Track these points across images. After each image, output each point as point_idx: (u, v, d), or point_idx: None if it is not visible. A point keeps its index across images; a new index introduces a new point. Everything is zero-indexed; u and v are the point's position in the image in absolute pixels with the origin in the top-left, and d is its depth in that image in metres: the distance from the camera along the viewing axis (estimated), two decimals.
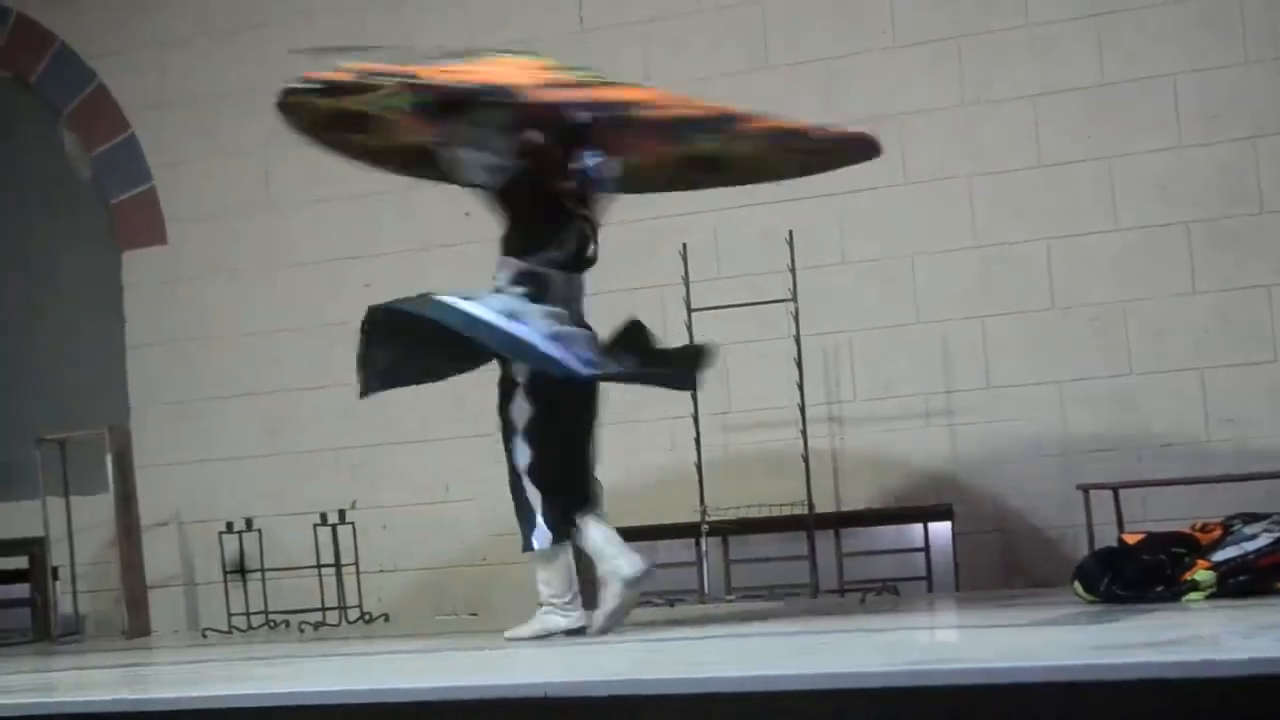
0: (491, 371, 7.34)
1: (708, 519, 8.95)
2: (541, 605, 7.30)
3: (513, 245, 7.35)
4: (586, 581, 7.41)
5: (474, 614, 9.93)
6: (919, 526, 9.22)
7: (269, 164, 10.54)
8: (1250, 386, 8.75)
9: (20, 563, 10.56)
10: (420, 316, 7.11)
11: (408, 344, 7.29)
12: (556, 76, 7.39)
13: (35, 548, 10.46)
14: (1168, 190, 8.94)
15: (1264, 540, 7.05)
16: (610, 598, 7.22)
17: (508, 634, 7.28)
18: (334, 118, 7.66)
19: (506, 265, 7.32)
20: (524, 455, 7.27)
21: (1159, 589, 7.01)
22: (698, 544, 9.13)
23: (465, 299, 7.11)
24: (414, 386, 7.85)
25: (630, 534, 8.31)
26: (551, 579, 7.30)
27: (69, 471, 10.40)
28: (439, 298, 7.15)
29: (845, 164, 8.09)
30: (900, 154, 9.36)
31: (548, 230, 7.33)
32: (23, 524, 10.58)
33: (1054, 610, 6.83)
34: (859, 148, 7.84)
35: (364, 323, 7.28)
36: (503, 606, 9.23)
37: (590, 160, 7.27)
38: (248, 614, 10.00)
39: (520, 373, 7.23)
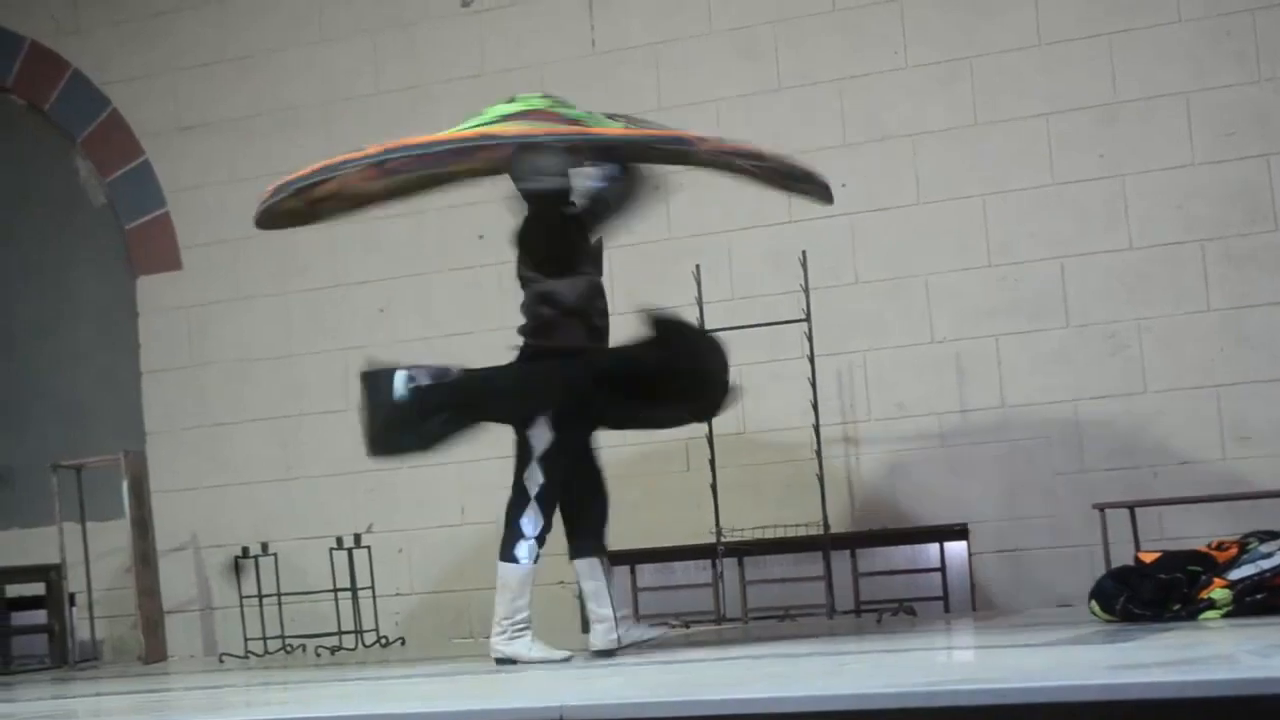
0: None
1: (724, 540, 8.94)
2: (502, 624, 7.39)
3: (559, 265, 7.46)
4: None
5: (490, 637, 9.90)
6: (935, 546, 9.21)
7: None
8: (1266, 404, 8.73)
9: (37, 589, 10.57)
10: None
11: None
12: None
13: (52, 574, 10.47)
14: (1182, 208, 8.93)
15: None
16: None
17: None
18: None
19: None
20: (536, 481, 7.31)
21: (1176, 608, 7.00)
22: (714, 565, 9.13)
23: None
24: None
25: (647, 555, 8.36)
26: (516, 598, 7.35)
27: (85, 497, 10.43)
28: None
29: (805, 195, 8.42)
30: (913, 174, 9.38)
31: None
32: (40, 550, 10.60)
33: (1071, 630, 6.82)
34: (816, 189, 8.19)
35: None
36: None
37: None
38: (264, 638, 10.00)
39: (545, 407, 7.29)
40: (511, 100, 7.82)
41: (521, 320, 7.48)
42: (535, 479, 7.32)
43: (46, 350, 11.38)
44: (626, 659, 7.08)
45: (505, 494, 7.56)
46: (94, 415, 11.13)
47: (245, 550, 10.06)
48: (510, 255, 7.61)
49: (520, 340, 7.48)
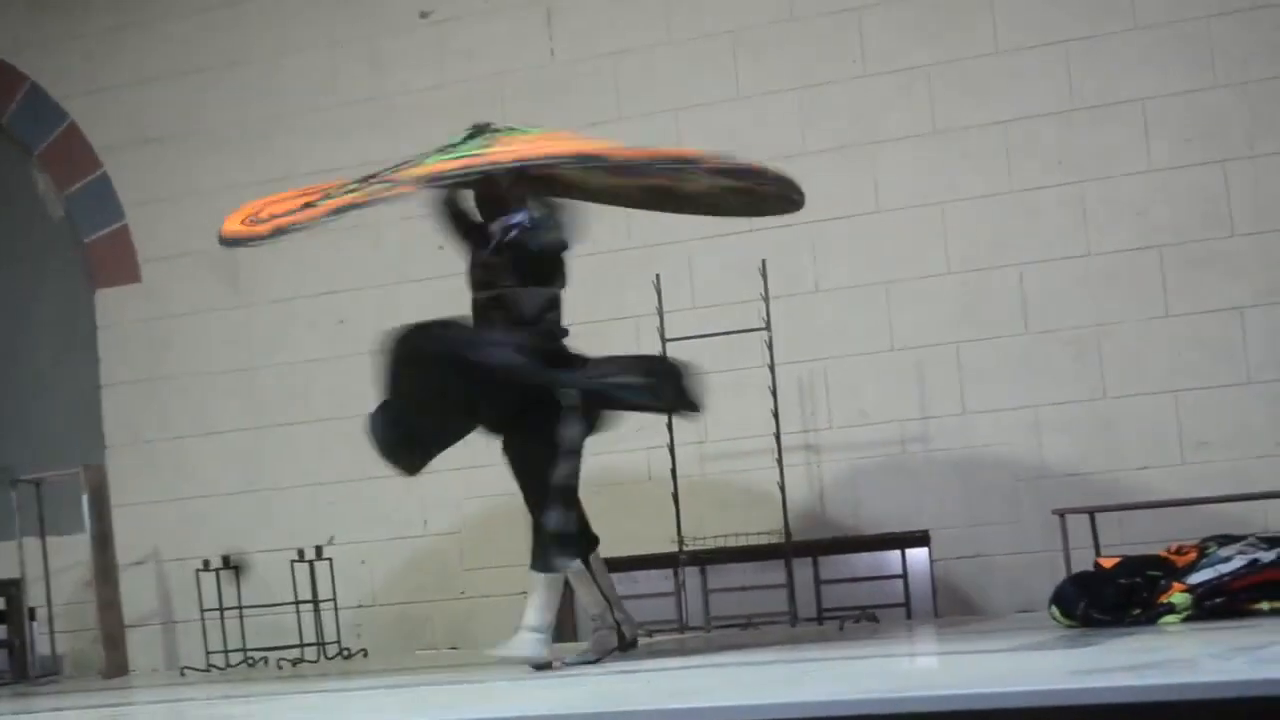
0: None
1: (685, 548, 8.94)
2: (531, 629, 7.30)
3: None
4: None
5: (454, 648, 9.91)
6: (897, 553, 9.23)
7: (241, 201, 10.51)
8: (1224, 409, 8.77)
9: None
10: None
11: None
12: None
13: (12, 589, 10.41)
14: (1141, 214, 8.96)
15: (1239, 563, 7.07)
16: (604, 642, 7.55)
17: (500, 652, 7.35)
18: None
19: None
20: (574, 475, 7.39)
21: (1135, 612, 7.02)
22: (676, 574, 9.13)
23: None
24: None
25: (609, 565, 8.32)
26: (550, 604, 7.34)
27: (45, 511, 10.37)
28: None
29: (778, 211, 8.49)
30: (873, 182, 9.40)
31: None
32: None
33: (1032, 635, 6.84)
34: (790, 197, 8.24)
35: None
36: (482, 640, 9.19)
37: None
38: (226, 651, 9.96)
39: (570, 395, 7.36)
40: (479, 133, 7.85)
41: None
42: (573, 474, 7.46)
43: (4, 363, 11.32)
44: (588, 668, 7.07)
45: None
46: (53, 428, 11.08)
47: (206, 563, 10.02)
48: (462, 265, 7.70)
49: None
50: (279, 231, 7.59)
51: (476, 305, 7.66)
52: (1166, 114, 8.96)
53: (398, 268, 10.22)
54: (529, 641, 7.29)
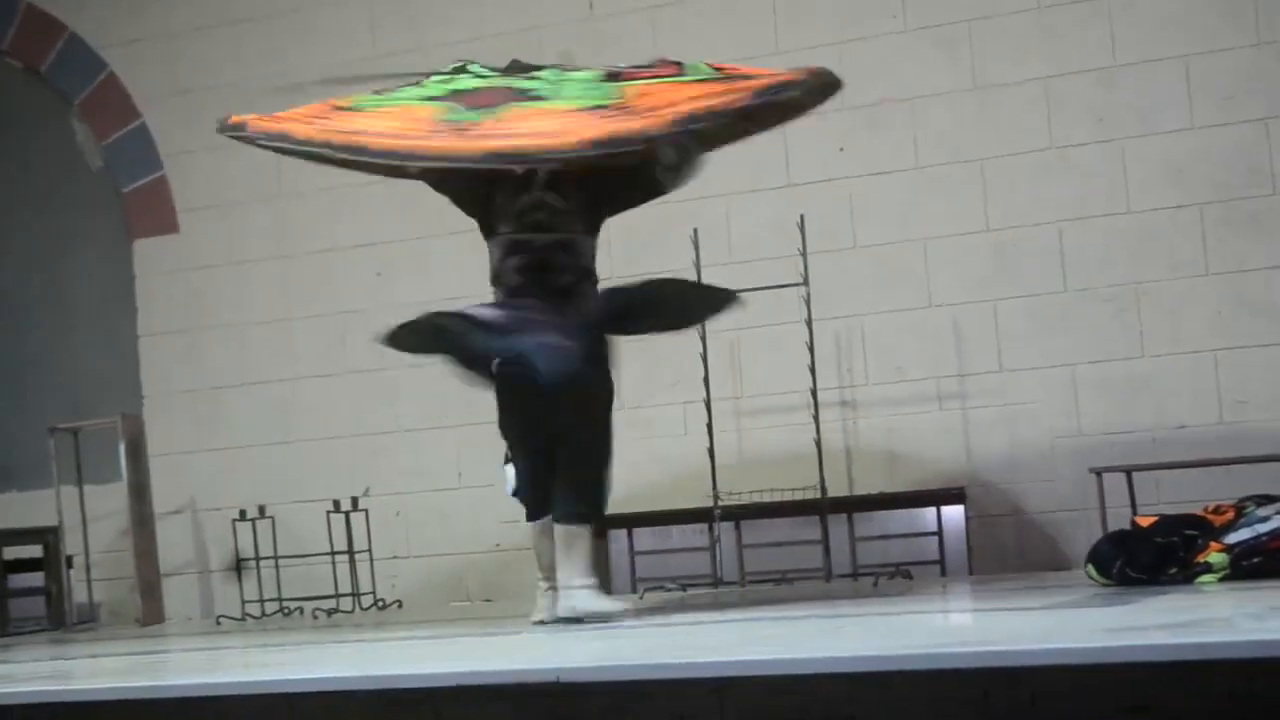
0: None
1: (720, 504, 8.94)
2: (587, 583, 7.26)
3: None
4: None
5: (488, 600, 9.93)
6: (932, 510, 9.22)
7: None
8: (1264, 368, 8.73)
9: (35, 552, 10.58)
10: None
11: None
12: None
13: (49, 537, 10.48)
14: (1181, 172, 8.92)
15: (1276, 522, 7.04)
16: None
17: (583, 607, 7.20)
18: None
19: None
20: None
21: (1172, 571, 7.00)
22: (710, 529, 9.13)
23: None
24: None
25: (644, 519, 8.36)
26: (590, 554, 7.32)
27: (82, 461, 10.43)
28: None
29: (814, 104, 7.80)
30: (911, 139, 9.37)
31: None
32: (37, 513, 10.62)
33: (1067, 593, 6.82)
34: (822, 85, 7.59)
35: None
36: (516, 593, 9.23)
37: None
38: (261, 601, 10.00)
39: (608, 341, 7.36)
40: (462, 69, 7.72)
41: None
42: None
43: (44, 313, 11.37)
44: (625, 623, 7.08)
45: (503, 457, 7.59)
46: (91, 378, 11.13)
47: (242, 513, 10.05)
48: None
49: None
50: (289, 140, 7.44)
51: (531, 247, 7.33)
52: (1208, 71, 8.90)
53: (436, 219, 10.19)
54: (595, 596, 7.26)
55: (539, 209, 7.34)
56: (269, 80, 10.59)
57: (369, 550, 9.95)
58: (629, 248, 8.96)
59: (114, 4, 11.17)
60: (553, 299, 7.25)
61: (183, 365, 10.93)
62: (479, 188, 7.48)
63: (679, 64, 7.59)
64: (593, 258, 7.47)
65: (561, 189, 7.35)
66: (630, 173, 7.32)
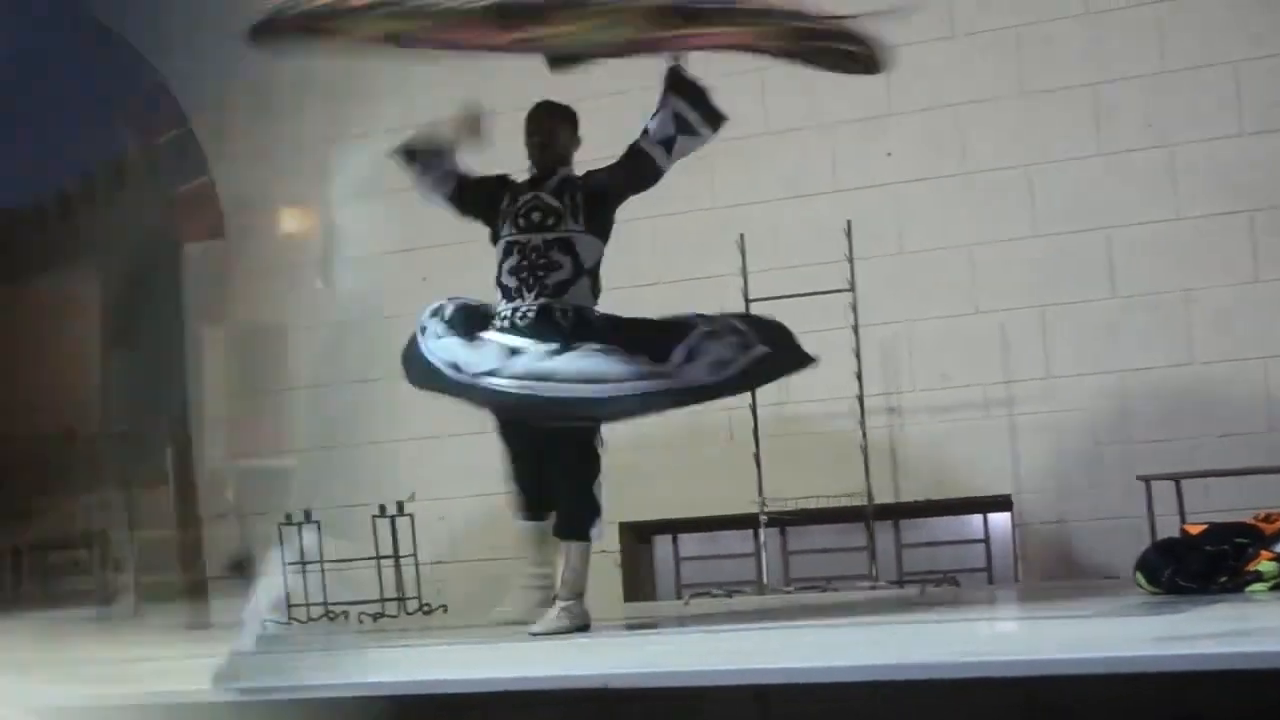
0: None
1: (766, 510, 8.93)
2: (564, 600, 7.26)
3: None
4: None
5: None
6: (978, 517, 9.20)
7: (327, 155, 10.55)
8: None
9: (83, 554, 10.62)
10: None
11: None
12: None
13: (97, 539, 10.52)
14: (1230, 178, 8.87)
15: None
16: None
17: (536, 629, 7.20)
18: None
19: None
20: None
21: (1222, 580, 6.96)
22: (756, 535, 9.11)
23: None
24: None
25: (690, 525, 8.36)
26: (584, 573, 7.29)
27: (130, 464, 10.47)
28: None
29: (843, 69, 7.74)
30: (959, 144, 9.34)
31: None
32: (85, 515, 10.65)
33: (1116, 601, 6.80)
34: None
35: None
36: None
37: None
38: (307, 605, 10.01)
39: None
40: None
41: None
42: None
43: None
44: (670, 630, 7.07)
45: None
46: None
47: (288, 517, 10.07)
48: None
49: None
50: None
51: (525, 249, 7.33)
52: (1258, 77, 8.85)
53: (478, 225, 10.21)
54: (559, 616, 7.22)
55: (537, 208, 7.35)
56: (315, 83, 10.67)
57: (414, 555, 9.96)
58: (673, 252, 8.95)
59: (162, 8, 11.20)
60: (545, 296, 7.24)
61: (228, 369, 10.96)
62: (492, 189, 7.57)
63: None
64: (595, 258, 7.35)
65: (562, 189, 7.33)
66: (628, 160, 7.28)
